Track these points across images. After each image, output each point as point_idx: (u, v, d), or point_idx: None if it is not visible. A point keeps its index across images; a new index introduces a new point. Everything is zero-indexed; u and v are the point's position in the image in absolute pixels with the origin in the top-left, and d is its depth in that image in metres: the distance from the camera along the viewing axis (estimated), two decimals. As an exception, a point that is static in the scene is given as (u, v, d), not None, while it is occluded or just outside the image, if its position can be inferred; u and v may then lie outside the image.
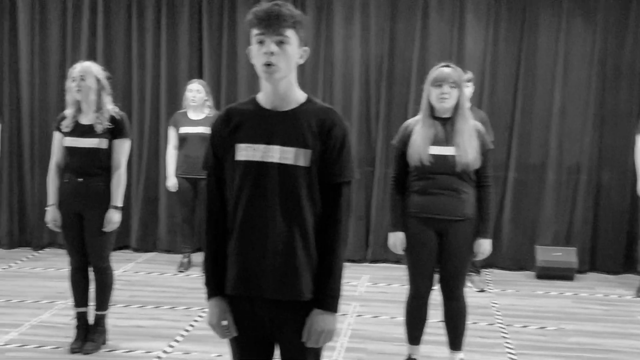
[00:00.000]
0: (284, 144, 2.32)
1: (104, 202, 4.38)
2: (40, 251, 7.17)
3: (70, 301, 5.28)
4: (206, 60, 7.03)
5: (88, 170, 4.36)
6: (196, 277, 6.32)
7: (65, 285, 5.74)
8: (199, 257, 6.64)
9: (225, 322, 2.39)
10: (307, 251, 2.33)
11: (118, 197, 4.41)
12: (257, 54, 2.32)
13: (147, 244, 7.26)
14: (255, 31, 2.32)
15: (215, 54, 7.03)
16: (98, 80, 4.36)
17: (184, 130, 6.31)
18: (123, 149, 4.43)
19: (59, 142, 4.44)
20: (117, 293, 4.72)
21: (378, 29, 6.84)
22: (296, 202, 2.32)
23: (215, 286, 2.41)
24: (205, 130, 6.30)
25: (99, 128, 4.34)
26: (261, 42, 2.31)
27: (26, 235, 7.34)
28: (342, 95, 6.90)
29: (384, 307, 5.49)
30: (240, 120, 2.39)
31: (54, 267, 6.58)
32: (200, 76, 6.94)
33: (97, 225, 4.38)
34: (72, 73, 4.34)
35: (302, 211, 2.32)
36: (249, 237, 2.34)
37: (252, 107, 2.42)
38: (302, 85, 2.46)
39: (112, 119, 4.38)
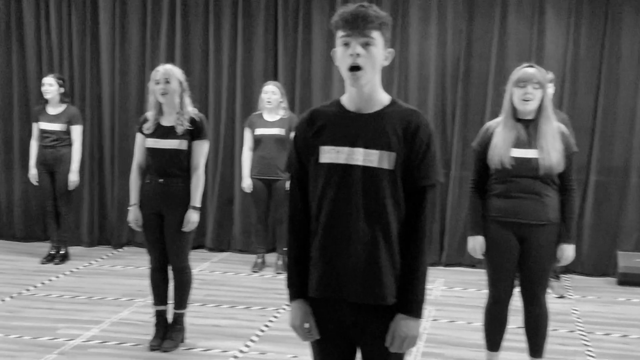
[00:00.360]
0: (368, 146, 2.30)
1: (184, 202, 4.45)
2: (119, 249, 7.35)
3: (149, 299, 5.39)
4: (281, 62, 7.07)
5: (168, 171, 4.43)
6: (270, 278, 6.36)
7: (144, 283, 5.88)
8: (272, 258, 6.69)
9: (307, 325, 2.39)
10: (391, 255, 2.31)
11: (197, 197, 4.47)
12: (342, 56, 2.31)
13: (221, 244, 7.35)
14: (340, 33, 2.31)
15: (290, 56, 7.06)
16: (180, 83, 4.44)
17: (259, 131, 6.36)
18: (202, 150, 4.49)
19: (141, 144, 4.52)
20: (194, 292, 4.79)
21: (455, 29, 6.74)
22: (380, 205, 2.29)
23: (297, 288, 2.41)
24: (280, 131, 6.35)
25: (179, 129, 4.41)
26: (346, 44, 2.29)
27: (106, 233, 7.53)
28: (417, 95, 6.83)
29: (460, 312, 5.41)
30: (324, 123, 2.38)
31: (133, 265, 6.73)
32: (275, 78, 6.99)
33: (176, 225, 4.45)
34: (155, 75, 4.42)
35: (386, 214, 2.30)
36: (332, 240, 2.33)
37: (336, 109, 2.40)
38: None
39: (192, 121, 4.45)
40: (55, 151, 6.54)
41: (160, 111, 4.48)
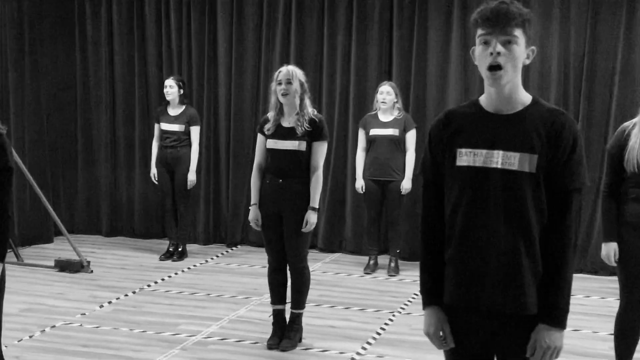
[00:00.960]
0: (507, 148, 2.21)
1: (303, 202, 4.47)
2: (233, 248, 7.48)
3: (265, 298, 5.46)
4: (395, 61, 7.00)
5: (288, 171, 4.46)
6: (383, 280, 6.31)
7: (259, 282, 5.99)
8: (385, 260, 6.63)
9: (442, 333, 2.32)
10: (533, 262, 2.21)
11: (316, 198, 4.48)
12: (481, 55, 2.23)
13: (333, 245, 7.34)
14: (479, 31, 2.23)
15: (405, 56, 6.98)
16: (301, 84, 4.46)
17: (374, 132, 6.32)
18: (321, 151, 4.50)
19: (262, 144, 4.57)
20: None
21: (578, 25, 6.47)
22: (521, 210, 2.20)
23: (432, 295, 2.35)
24: (394, 132, 6.29)
25: (299, 131, 4.43)
26: (486, 43, 2.21)
27: (220, 232, 7.69)
28: (538, 93, 6.58)
29: (584, 321, 5.18)
30: (460, 124, 2.31)
31: (247, 263, 6.83)
32: (389, 78, 6.93)
33: (295, 226, 4.47)
34: (277, 76, 4.46)
35: (528, 220, 2.20)
36: (469, 246, 2.25)
37: (474, 110, 2.32)
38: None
39: (312, 122, 4.46)
40: (175, 151, 6.73)
41: (280, 112, 4.52)
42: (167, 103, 6.79)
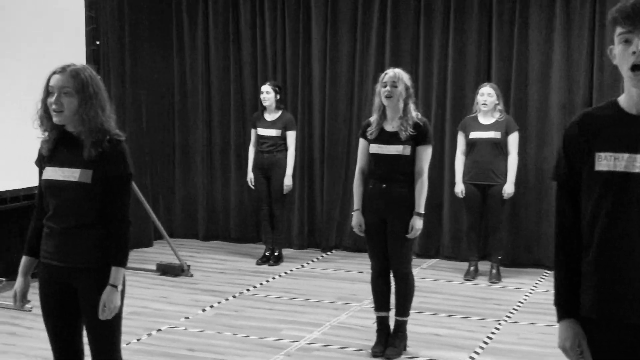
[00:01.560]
0: (652, 152, 2.07)
1: (407, 208, 4.38)
2: (328, 253, 7.45)
3: (364, 304, 5.41)
4: (495, 62, 6.82)
5: (392, 176, 4.39)
6: (485, 287, 6.14)
7: (357, 287, 5.94)
8: (485, 266, 6.46)
9: (579, 347, 2.20)
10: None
11: (421, 203, 4.40)
12: (622, 54, 2.09)
13: (429, 250, 7.22)
14: (619, 30, 2.09)
15: (505, 56, 6.80)
16: (407, 88, 4.38)
17: (474, 135, 6.17)
18: (426, 155, 4.41)
19: (364, 149, 4.52)
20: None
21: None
22: (667, 217, 2.06)
23: (568, 307, 2.22)
24: (495, 135, 6.12)
25: (403, 135, 4.35)
26: (627, 41, 2.08)
27: (315, 236, 7.67)
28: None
29: None
30: (599, 127, 2.18)
31: (343, 269, 6.79)
32: (488, 79, 6.76)
33: (400, 231, 4.39)
34: (383, 78, 4.39)
35: (675, 228, 2.05)
36: (609, 256, 2.12)
37: (613, 111, 2.19)
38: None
39: (416, 126, 4.37)
40: (271, 156, 6.75)
41: (383, 115, 4.45)
42: (264, 108, 6.83)
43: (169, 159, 8.11)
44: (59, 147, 2.89)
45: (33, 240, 2.97)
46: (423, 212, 4.41)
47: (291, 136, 6.81)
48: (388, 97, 4.34)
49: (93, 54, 6.58)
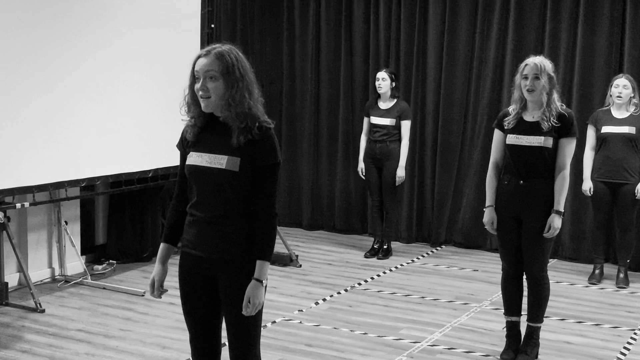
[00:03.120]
0: None
1: (546, 205, 4.06)
2: (438, 248, 7.16)
3: (485, 305, 5.15)
4: (627, 52, 6.35)
5: (531, 171, 4.08)
6: (612, 292, 5.74)
7: (473, 287, 5.70)
8: (611, 270, 6.05)
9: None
10: None
11: (561, 201, 4.06)
12: None
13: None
14: None
15: (638, 48, 6.32)
16: (550, 79, 4.04)
17: (606, 129, 5.75)
18: (570, 149, 4.07)
19: (499, 140, 4.21)
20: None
21: None
22: None
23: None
24: (630, 130, 5.70)
25: (545, 125, 4.02)
26: None
27: (423, 230, 7.39)
28: None
29: None
30: None
31: (456, 265, 6.49)
32: (620, 70, 6.30)
33: (537, 230, 4.08)
34: (523, 69, 4.06)
35: None
36: None
37: None
38: None
39: (560, 117, 4.04)
40: (384, 146, 6.51)
41: (524, 106, 4.13)
42: (378, 96, 6.59)
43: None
44: (205, 131, 2.74)
45: (173, 227, 2.84)
46: (563, 211, 4.07)
47: (406, 126, 6.54)
48: (530, 91, 4.02)
49: (208, 37, 6.49)
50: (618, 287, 5.83)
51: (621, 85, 5.70)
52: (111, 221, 6.28)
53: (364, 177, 6.74)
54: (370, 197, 6.88)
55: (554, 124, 4.02)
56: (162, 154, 5.77)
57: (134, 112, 5.70)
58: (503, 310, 4.33)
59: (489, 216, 4.23)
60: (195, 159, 2.72)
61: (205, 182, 2.69)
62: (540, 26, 6.70)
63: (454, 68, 7.07)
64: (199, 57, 2.69)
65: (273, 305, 5.15)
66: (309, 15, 7.67)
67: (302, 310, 5.09)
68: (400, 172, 6.53)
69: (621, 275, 5.91)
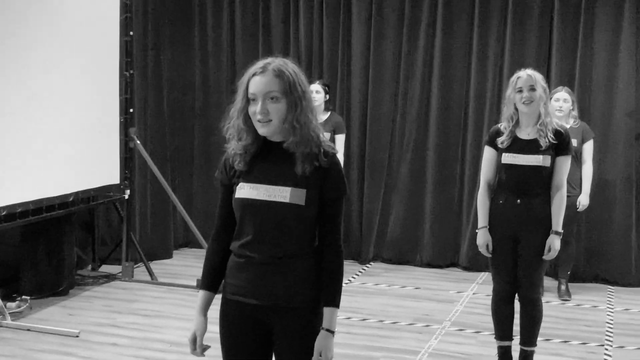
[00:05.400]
0: None
1: (544, 225, 3.93)
2: (368, 265, 6.93)
3: (449, 326, 4.96)
4: (554, 66, 6.44)
5: (528, 190, 3.93)
6: (559, 305, 5.74)
7: (424, 306, 5.57)
8: (550, 282, 6.07)
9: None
10: None
11: (559, 221, 3.94)
12: None
13: (479, 264, 6.72)
14: None
15: (567, 58, 6.43)
16: (545, 90, 3.92)
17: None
18: (566, 167, 3.97)
19: (491, 159, 4.04)
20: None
21: None
22: None
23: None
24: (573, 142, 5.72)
25: (543, 142, 3.89)
26: None
27: (350, 247, 7.02)
28: None
29: None
30: None
31: (395, 284, 6.28)
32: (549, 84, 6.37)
33: (534, 251, 3.93)
34: (516, 83, 3.91)
35: None
36: None
37: None
38: None
39: (557, 133, 3.92)
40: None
41: (516, 123, 3.98)
42: (311, 109, 6.25)
43: (188, 160, 7.40)
44: (257, 159, 2.32)
45: (215, 271, 2.40)
46: (561, 231, 3.95)
47: (340, 140, 6.28)
48: (528, 103, 3.86)
49: (126, 45, 5.89)
50: (562, 300, 5.85)
51: (562, 99, 5.73)
52: (22, 252, 5.51)
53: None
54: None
55: (552, 141, 3.89)
56: (83, 175, 5.11)
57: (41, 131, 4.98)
58: (494, 335, 4.16)
59: (483, 238, 4.03)
60: (249, 191, 2.30)
61: (264, 218, 2.28)
62: (468, 37, 6.66)
63: (381, 80, 6.88)
64: (253, 75, 2.26)
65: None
66: (222, 24, 7.23)
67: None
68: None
69: (562, 287, 5.94)
